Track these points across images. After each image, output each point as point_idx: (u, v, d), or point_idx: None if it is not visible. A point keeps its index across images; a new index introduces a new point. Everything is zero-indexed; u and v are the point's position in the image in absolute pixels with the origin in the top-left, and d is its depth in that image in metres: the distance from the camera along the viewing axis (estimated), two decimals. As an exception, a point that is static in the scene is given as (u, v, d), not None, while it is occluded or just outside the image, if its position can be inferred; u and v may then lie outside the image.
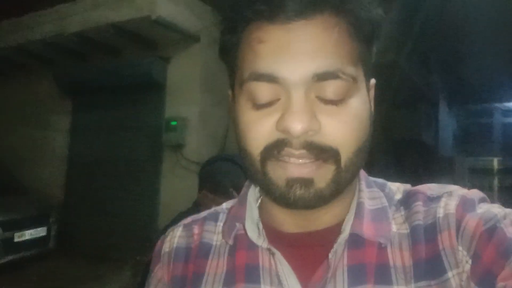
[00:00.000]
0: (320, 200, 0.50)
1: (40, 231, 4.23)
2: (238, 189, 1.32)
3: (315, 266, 0.53)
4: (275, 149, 0.48)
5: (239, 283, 0.56)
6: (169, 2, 3.49)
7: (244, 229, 0.58)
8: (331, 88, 0.47)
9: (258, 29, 0.49)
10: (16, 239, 4.05)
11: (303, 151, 0.47)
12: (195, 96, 3.83)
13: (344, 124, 0.48)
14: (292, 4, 0.47)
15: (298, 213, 0.53)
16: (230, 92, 0.57)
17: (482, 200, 0.52)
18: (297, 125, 0.46)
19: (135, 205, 4.14)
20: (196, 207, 1.57)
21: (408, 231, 0.53)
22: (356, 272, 0.52)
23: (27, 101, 5.07)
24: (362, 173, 0.57)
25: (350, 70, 0.48)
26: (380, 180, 0.59)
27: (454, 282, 0.49)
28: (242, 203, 0.60)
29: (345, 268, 0.52)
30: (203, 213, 0.66)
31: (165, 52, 4.02)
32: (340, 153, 0.48)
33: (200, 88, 3.83)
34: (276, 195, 0.51)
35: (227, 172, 1.57)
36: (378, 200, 0.56)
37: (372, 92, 0.55)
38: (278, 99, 0.48)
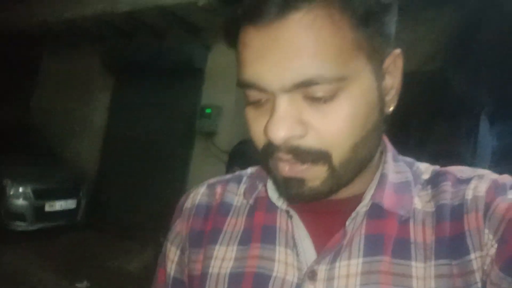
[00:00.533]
0: (318, 195, 0.50)
1: (70, 203, 4.36)
2: None
3: (332, 233, 0.53)
4: (269, 151, 0.49)
5: (255, 243, 0.57)
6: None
7: (266, 191, 0.59)
8: (315, 92, 0.46)
9: (243, 32, 0.48)
10: (47, 208, 4.19)
11: (290, 157, 0.47)
12: (232, 86, 3.72)
13: (334, 125, 0.47)
14: (269, 4, 0.45)
15: None
16: None
17: None
18: (277, 134, 0.46)
19: (164, 187, 4.21)
20: None
21: (434, 209, 0.52)
22: (373, 242, 0.52)
23: (71, 75, 5.22)
24: (390, 147, 0.57)
25: (335, 71, 0.46)
26: (409, 159, 0.59)
27: (476, 264, 0.48)
28: (262, 172, 0.60)
29: (362, 237, 0.52)
30: (228, 175, 0.68)
31: (208, 38, 4.03)
32: (331, 154, 0.48)
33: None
34: (278, 187, 0.53)
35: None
36: (403, 175, 0.56)
37: (396, 63, 0.52)
38: (268, 99, 0.48)
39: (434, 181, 0.55)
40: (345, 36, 0.46)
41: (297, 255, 0.54)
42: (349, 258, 0.52)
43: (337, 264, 0.52)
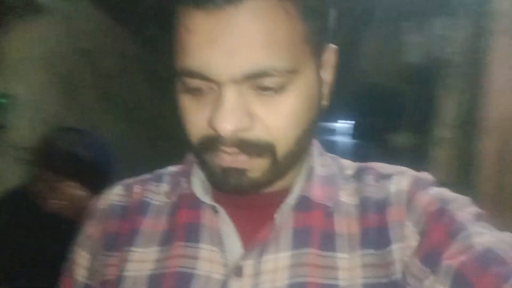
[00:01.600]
0: (256, 187, 0.49)
1: None
2: (97, 163, 1.35)
3: (259, 227, 0.51)
4: (210, 143, 0.46)
5: (177, 242, 0.53)
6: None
7: (190, 187, 0.57)
8: (265, 83, 0.44)
9: (184, 15, 0.45)
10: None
11: (235, 150, 0.46)
12: (29, 74, 3.19)
13: (280, 118, 0.46)
14: None
15: None
16: None
17: (433, 183, 0.53)
18: (225, 127, 0.44)
19: None
20: (23, 194, 1.41)
21: (358, 202, 0.53)
22: (301, 235, 0.51)
23: None
24: (315, 141, 0.57)
25: (287, 63, 0.45)
26: (333, 155, 0.60)
27: (396, 255, 0.49)
28: (190, 161, 0.57)
29: (290, 231, 0.51)
30: (146, 175, 0.65)
31: (0, 21, 3.26)
32: (275, 146, 0.47)
33: (36, 66, 3.20)
34: (214, 179, 0.52)
35: (76, 143, 1.38)
36: (329, 168, 0.57)
37: (332, 59, 0.52)
38: (212, 90, 0.45)
39: (358, 176, 0.56)
40: (297, 28, 0.45)
41: (223, 251, 0.50)
42: (277, 251, 0.50)
43: (264, 258, 0.49)
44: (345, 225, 0.52)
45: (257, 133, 0.47)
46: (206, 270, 0.52)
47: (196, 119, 0.49)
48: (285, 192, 0.54)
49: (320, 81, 0.51)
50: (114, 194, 0.62)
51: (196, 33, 0.45)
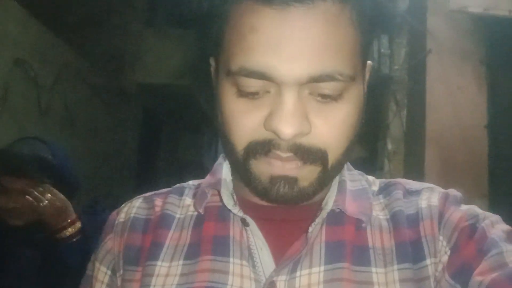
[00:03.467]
0: (303, 197, 0.48)
1: None
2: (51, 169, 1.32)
3: (290, 241, 0.50)
4: (261, 149, 0.45)
5: (205, 255, 0.51)
6: None
7: (220, 197, 0.55)
8: (326, 88, 0.44)
9: (250, 12, 0.43)
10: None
11: (290, 154, 0.44)
12: None
13: (336, 126, 0.46)
14: None
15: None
16: (213, 63, 0.52)
17: (462, 200, 0.53)
18: (287, 129, 0.43)
19: None
20: None
21: (388, 216, 0.52)
22: (334, 249, 0.49)
23: None
24: None
25: (349, 69, 0.45)
26: (358, 171, 0.59)
27: (430, 270, 0.48)
28: (217, 173, 0.54)
29: (323, 245, 0.50)
30: (166, 189, 0.62)
31: None
32: (328, 154, 0.46)
33: None
34: (258, 189, 0.49)
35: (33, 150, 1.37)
36: (359, 182, 0.56)
37: (368, 74, 0.53)
38: (267, 91, 0.44)
39: (386, 191, 0.55)
40: (356, 37, 0.46)
41: (254, 266, 0.48)
42: (310, 266, 0.48)
43: (297, 273, 0.48)
44: (379, 239, 0.52)
45: (313, 140, 0.46)
46: (237, 285, 0.50)
47: (247, 122, 0.47)
48: (317, 206, 0.53)
49: (364, 91, 0.52)
50: (135, 207, 0.59)
51: (262, 32, 0.44)
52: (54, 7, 3.08)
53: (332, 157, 0.48)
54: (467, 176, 2.25)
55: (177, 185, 0.62)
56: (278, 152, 0.46)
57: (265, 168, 0.48)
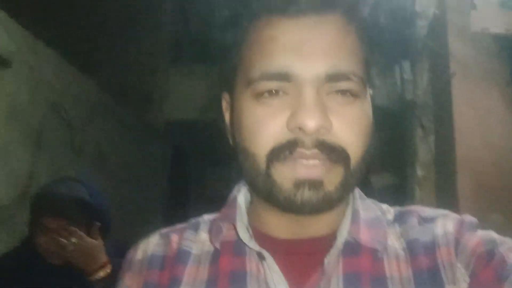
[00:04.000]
0: (328, 204, 0.48)
1: None
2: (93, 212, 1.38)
3: (308, 274, 0.50)
4: (286, 150, 0.46)
5: None
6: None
7: (235, 231, 0.53)
8: (342, 88, 0.47)
9: (268, 25, 0.47)
10: None
11: (316, 151, 0.46)
12: None
13: (353, 125, 0.47)
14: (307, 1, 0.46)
15: (295, 219, 0.50)
16: (226, 96, 0.55)
17: (478, 225, 0.52)
18: (311, 121, 0.44)
19: None
20: (27, 246, 1.40)
21: (405, 245, 0.52)
22: (352, 281, 0.49)
23: None
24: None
25: (361, 73, 0.48)
26: (371, 199, 0.59)
27: None
28: (232, 206, 0.55)
29: (341, 277, 0.49)
30: (181, 224, 0.63)
31: None
32: (349, 153, 0.47)
33: (4, 121, 3.07)
34: (280, 199, 0.48)
35: (76, 191, 1.40)
36: (373, 211, 0.55)
37: (370, 101, 0.54)
38: (287, 95, 0.47)
39: (401, 219, 0.55)
40: (363, 51, 0.50)
41: None
42: None
43: None
44: (396, 269, 0.51)
45: (334, 137, 0.48)
46: None
47: (270, 127, 0.48)
48: (331, 236, 0.53)
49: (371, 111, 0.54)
50: (152, 244, 0.60)
51: (281, 39, 0.48)
52: (86, 51, 3.22)
53: (353, 158, 0.49)
54: (502, 200, 2.18)
55: (192, 219, 0.63)
56: (302, 150, 0.47)
57: (289, 172, 0.48)
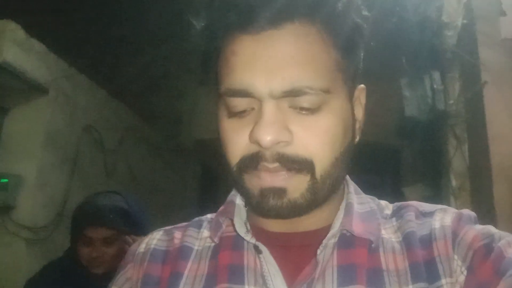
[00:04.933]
0: (295, 210, 0.49)
1: None
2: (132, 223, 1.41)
3: (302, 266, 0.50)
4: (250, 162, 0.48)
5: (221, 284, 0.52)
6: (19, 48, 2.99)
7: (233, 226, 0.56)
8: (303, 101, 0.48)
9: (232, 41, 0.49)
10: None
11: (277, 165, 0.47)
12: (35, 153, 3.25)
13: (317, 135, 0.48)
14: (261, 13, 0.47)
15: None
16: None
17: (476, 220, 0.53)
18: (265, 137, 0.46)
19: None
20: (70, 256, 1.45)
21: (401, 238, 0.52)
22: (347, 273, 0.49)
23: None
24: (351, 181, 0.58)
25: (321, 83, 0.48)
26: (369, 195, 0.60)
27: None
28: (230, 204, 0.58)
29: (335, 268, 0.50)
30: (186, 222, 0.64)
31: (4, 101, 3.40)
32: (314, 164, 0.48)
33: (41, 145, 3.26)
34: (252, 204, 0.51)
35: (114, 203, 1.44)
36: (367, 205, 0.57)
37: (361, 97, 0.56)
38: (253, 109, 0.49)
39: (398, 214, 0.56)
40: (330, 54, 0.49)
41: None
42: None
43: None
44: (392, 261, 0.52)
45: (296, 149, 0.49)
46: None
47: (238, 139, 0.51)
48: (325, 229, 0.54)
49: (352, 112, 0.54)
50: (155, 239, 0.62)
51: (240, 55, 0.49)
52: (117, 76, 3.33)
53: (319, 167, 0.49)
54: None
55: (196, 218, 0.65)
56: (265, 164, 0.49)
57: (256, 181, 0.50)
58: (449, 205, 2.29)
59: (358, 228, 0.53)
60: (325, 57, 0.50)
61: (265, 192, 0.50)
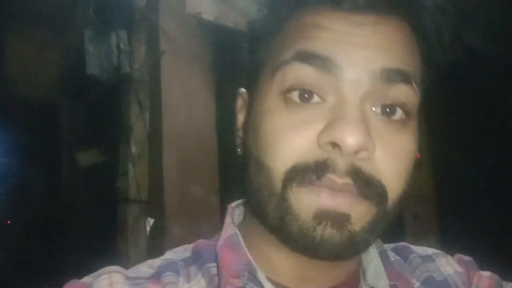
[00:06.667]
0: (352, 248, 0.38)
1: None
2: None
3: None
4: (312, 173, 0.32)
5: None
6: None
7: (258, 282, 0.41)
8: (397, 97, 0.35)
9: (314, 14, 0.33)
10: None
11: (348, 181, 0.32)
12: None
13: (399, 157, 0.37)
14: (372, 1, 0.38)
15: (307, 262, 0.36)
16: (243, 93, 0.38)
17: (475, 264, 0.51)
18: (351, 137, 0.32)
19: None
20: None
21: (419, 284, 0.50)
22: None
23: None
24: None
25: (419, 82, 0.41)
26: None
27: None
28: (239, 250, 0.35)
29: None
30: (149, 269, 0.45)
31: None
32: (386, 191, 0.35)
33: None
34: (294, 231, 0.38)
35: None
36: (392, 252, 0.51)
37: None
38: (323, 101, 0.32)
39: (401, 255, 0.49)
40: (421, 64, 0.43)
41: None
42: None
43: None
44: None
45: (372, 168, 0.37)
46: None
47: (296, 138, 0.37)
48: (352, 283, 0.45)
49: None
50: None
51: (328, 28, 0.38)
52: None
53: (390, 199, 0.38)
54: (202, 175, 2.37)
55: (163, 262, 0.44)
56: (332, 177, 0.35)
57: (310, 199, 0.36)
58: (127, 171, 2.27)
59: (404, 282, 0.46)
60: (419, 63, 0.43)
61: (322, 216, 0.36)
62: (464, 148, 2.97)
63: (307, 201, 0.37)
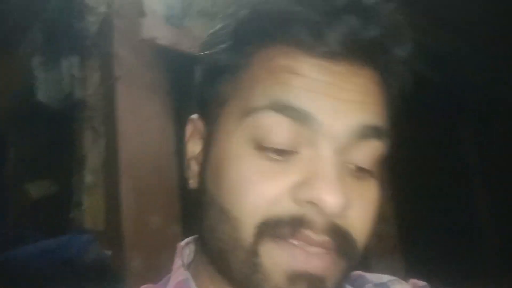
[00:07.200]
0: None
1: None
2: None
3: None
4: (285, 228, 0.30)
5: None
6: None
7: None
8: (368, 153, 0.34)
9: (286, 57, 0.32)
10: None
11: (325, 238, 0.31)
12: None
13: (368, 209, 0.36)
14: (341, 36, 0.37)
15: None
16: (196, 120, 0.36)
17: None
18: (333, 199, 0.31)
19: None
20: None
21: None
22: None
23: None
24: None
25: (385, 132, 0.41)
26: None
27: None
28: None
29: None
30: None
31: None
32: (358, 245, 0.34)
33: None
34: None
35: None
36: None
37: None
38: (297, 153, 0.31)
39: (357, 286, 0.48)
40: (386, 119, 0.43)
41: None
42: None
43: None
44: None
45: (345, 222, 0.36)
46: None
47: (269, 189, 0.36)
48: None
49: None
50: None
51: (302, 75, 0.37)
52: None
53: (359, 249, 0.38)
54: (161, 203, 2.30)
55: None
56: (309, 234, 0.34)
57: (283, 259, 0.35)
58: (81, 202, 2.17)
59: None
60: (387, 112, 0.43)
61: (297, 279, 0.34)
62: (423, 169, 3.06)
63: (280, 261, 0.36)
